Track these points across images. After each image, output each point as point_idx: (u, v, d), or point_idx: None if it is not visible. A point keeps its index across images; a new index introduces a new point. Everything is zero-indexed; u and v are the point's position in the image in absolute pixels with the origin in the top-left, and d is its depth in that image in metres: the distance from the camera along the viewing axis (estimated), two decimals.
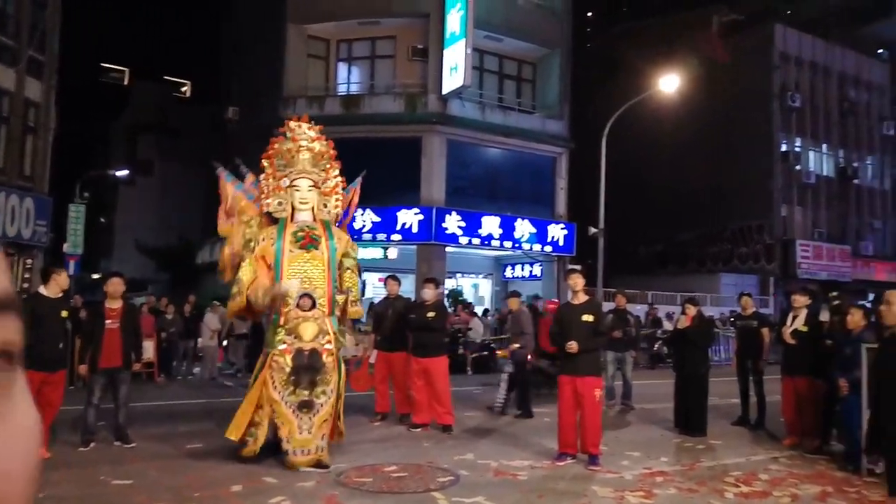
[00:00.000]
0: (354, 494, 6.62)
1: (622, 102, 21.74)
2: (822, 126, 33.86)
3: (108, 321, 8.18)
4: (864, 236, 35.23)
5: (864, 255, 34.31)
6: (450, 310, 21.87)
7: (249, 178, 8.91)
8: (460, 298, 23.32)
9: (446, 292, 23.34)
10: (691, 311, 10.30)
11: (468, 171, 23.87)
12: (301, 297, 7.51)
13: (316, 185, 8.14)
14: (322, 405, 7.39)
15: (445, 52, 22.76)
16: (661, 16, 37.02)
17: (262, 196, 8.21)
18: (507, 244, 23.40)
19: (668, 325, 22.09)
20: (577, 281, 8.47)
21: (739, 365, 10.99)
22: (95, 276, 48.41)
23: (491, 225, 22.90)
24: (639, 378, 14.33)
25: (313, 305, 7.55)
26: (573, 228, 24.69)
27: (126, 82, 25.56)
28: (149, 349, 15.42)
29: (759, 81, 31.90)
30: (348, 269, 8.23)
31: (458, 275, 25.42)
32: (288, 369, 7.31)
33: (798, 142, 33.12)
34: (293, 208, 8.14)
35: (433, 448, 8.72)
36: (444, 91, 22.73)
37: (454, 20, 22.42)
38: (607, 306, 13.89)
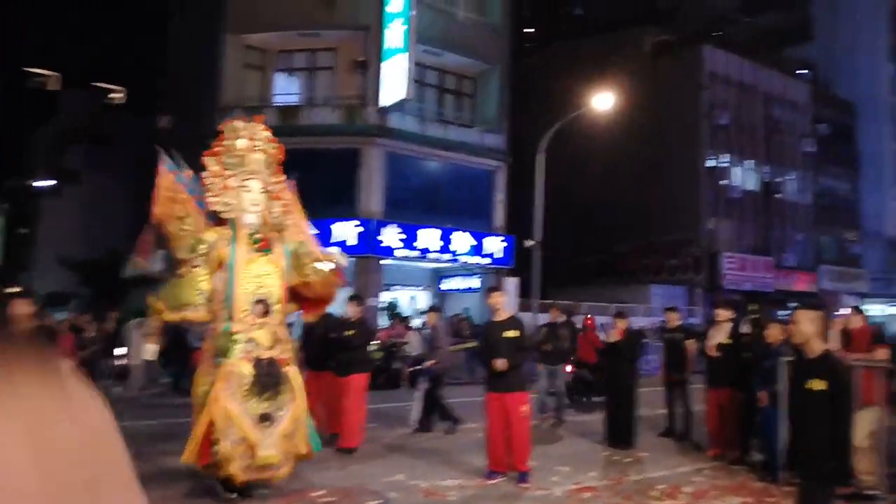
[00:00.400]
0: None
1: (558, 117, 22.27)
2: (747, 143, 35.05)
3: None
4: (786, 248, 36.56)
5: (786, 266, 35.60)
6: (387, 323, 22.07)
7: (187, 172, 8.05)
8: (396, 311, 23.40)
9: (384, 305, 23.50)
10: (621, 324, 10.67)
11: (407, 183, 23.96)
12: (256, 302, 7.02)
13: (265, 189, 7.49)
14: (282, 418, 6.82)
15: (385, 64, 22.91)
16: (596, 35, 37.94)
17: (208, 193, 7.42)
18: (446, 256, 23.67)
19: (603, 337, 22.59)
20: (498, 300, 8.49)
21: (666, 377, 11.36)
22: (14, 289, 46.74)
23: (429, 237, 23.14)
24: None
25: (267, 312, 7.06)
26: (511, 241, 25.09)
27: (53, 87, 24.92)
28: None
29: (688, 100, 32.92)
30: (305, 253, 7.62)
31: (396, 287, 25.54)
32: (247, 379, 6.74)
33: (725, 158, 34.25)
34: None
35: (363, 469, 8.56)
36: (384, 104, 22.84)
37: (395, 34, 22.62)
38: (543, 318, 14.15)
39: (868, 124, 40.56)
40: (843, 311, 36.57)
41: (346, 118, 23.43)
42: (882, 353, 7.71)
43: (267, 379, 6.78)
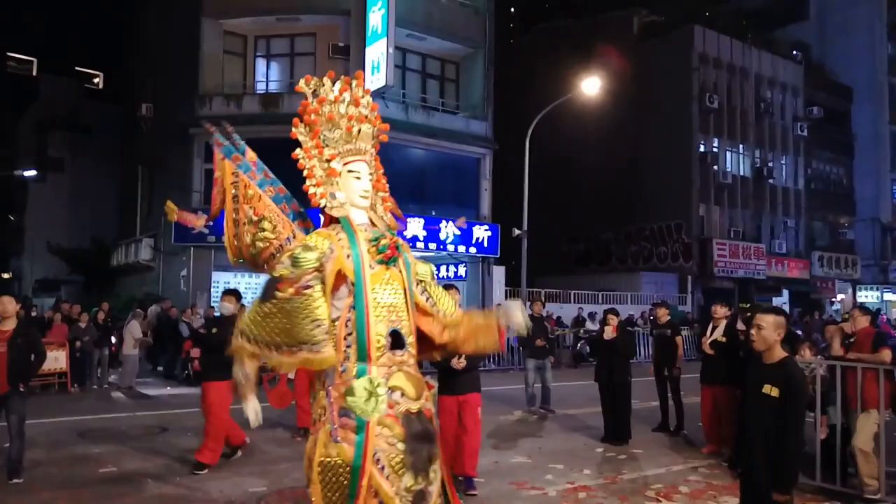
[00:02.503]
0: None
1: (544, 102, 21.92)
2: (738, 127, 34.73)
3: None
4: (778, 234, 36.35)
5: (777, 252, 35.38)
6: None
7: (250, 156, 5.54)
8: None
9: None
10: (614, 321, 10.44)
11: (391, 171, 23.27)
12: (390, 334, 4.73)
13: (373, 175, 5.23)
14: (432, 494, 4.65)
15: (367, 50, 22.48)
16: (582, 17, 37.51)
17: (311, 181, 4.96)
18: (432, 246, 23.29)
19: (590, 325, 22.37)
20: (456, 297, 8.11)
21: (657, 373, 11.25)
22: (6, 275, 46.59)
23: (415, 227, 22.76)
24: (562, 379, 14.44)
25: (401, 346, 4.73)
26: (497, 230, 24.74)
27: (33, 73, 24.47)
28: (61, 359, 14.93)
29: (678, 83, 32.53)
30: (428, 282, 5.28)
31: None
32: (400, 444, 4.46)
33: (715, 142, 33.91)
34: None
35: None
36: None
37: (376, 18, 22.15)
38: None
39: (863, 107, 40.26)
40: (839, 297, 36.56)
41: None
42: (887, 355, 7.42)
43: (422, 442, 4.57)
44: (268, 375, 10.74)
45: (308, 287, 4.46)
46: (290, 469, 8.32)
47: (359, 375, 4.48)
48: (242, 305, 8.88)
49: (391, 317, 4.66)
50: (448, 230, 23.43)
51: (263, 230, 5.09)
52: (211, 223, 5.87)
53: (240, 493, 7.29)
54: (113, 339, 16.80)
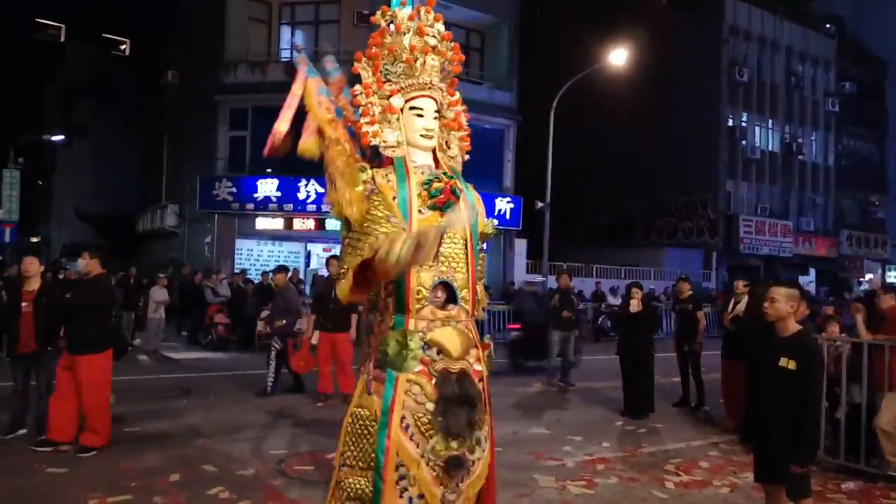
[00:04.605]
0: (295, 484, 6.44)
1: (569, 73, 21.66)
2: (768, 101, 34.22)
3: (23, 303, 7.66)
4: (806, 211, 35.91)
5: (805, 230, 34.99)
6: None
7: (338, 78, 4.89)
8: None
9: None
10: (638, 294, 10.34)
11: None
12: (436, 286, 4.31)
13: (439, 112, 4.64)
14: (475, 463, 4.22)
15: None
16: None
17: (365, 119, 4.47)
18: None
19: (611, 300, 22.28)
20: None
21: (678, 348, 11.16)
22: (34, 239, 47.19)
23: None
24: (583, 353, 14.39)
25: (453, 300, 4.32)
26: (519, 202, 24.62)
27: (61, 39, 24.50)
28: None
29: (707, 55, 32.07)
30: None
31: None
32: (430, 405, 4.11)
33: (744, 116, 33.46)
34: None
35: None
36: None
37: None
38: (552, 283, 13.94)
39: None
40: (868, 277, 36.04)
41: (351, 73, 22.82)
42: None
43: (459, 404, 4.14)
44: (292, 340, 10.90)
45: (368, 217, 4.14)
46: (311, 433, 8.38)
47: (395, 327, 4.21)
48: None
49: (441, 267, 4.24)
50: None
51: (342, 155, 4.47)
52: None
53: (261, 456, 7.35)
54: (139, 304, 17.00)
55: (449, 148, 4.71)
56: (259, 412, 9.49)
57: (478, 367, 4.29)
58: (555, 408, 10.72)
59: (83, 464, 6.83)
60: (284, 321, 10.95)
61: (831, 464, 7.31)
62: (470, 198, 4.48)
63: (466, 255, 4.32)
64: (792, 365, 4.42)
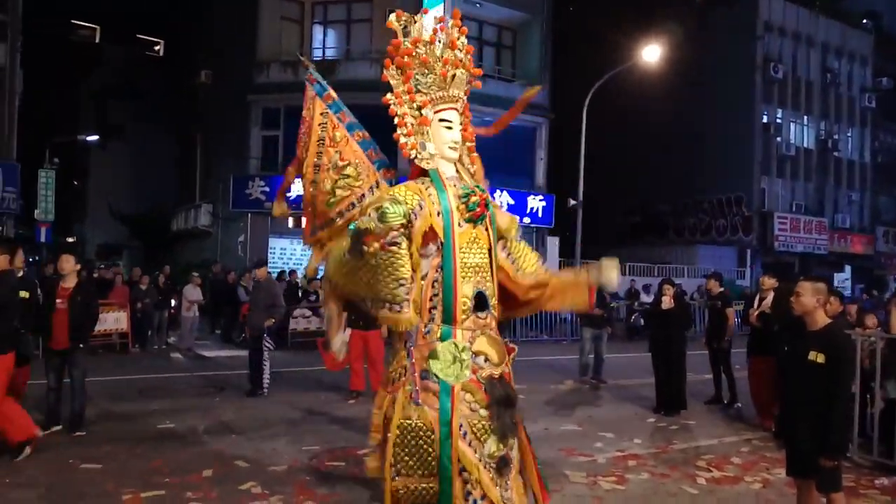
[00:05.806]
0: (327, 479, 6.49)
1: (602, 69, 21.51)
2: (803, 97, 33.74)
3: (58, 301, 7.80)
4: (842, 209, 35.33)
5: (840, 227, 34.46)
6: None
7: (328, 95, 5.17)
8: None
9: None
10: (670, 291, 10.28)
11: None
12: (475, 297, 4.42)
13: (463, 125, 4.72)
14: (514, 458, 4.45)
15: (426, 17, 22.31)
16: None
17: (402, 130, 4.52)
18: None
19: (644, 298, 22.11)
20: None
21: (709, 345, 11.11)
22: (70, 239, 47.99)
23: None
24: (615, 351, 14.36)
25: (485, 307, 4.45)
26: (552, 200, 24.53)
27: (96, 40, 24.97)
28: (122, 320, 15.33)
29: (741, 51, 31.64)
30: (511, 238, 4.83)
31: None
32: (483, 411, 4.24)
33: (779, 113, 33.00)
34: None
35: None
36: None
37: None
38: None
39: None
40: None
41: (383, 73, 22.86)
42: None
43: (506, 407, 4.33)
44: (323, 339, 10.93)
45: (394, 244, 4.12)
46: (343, 430, 8.45)
47: (443, 338, 4.28)
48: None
49: (476, 278, 4.39)
50: (501, 200, 23.32)
51: (347, 176, 4.77)
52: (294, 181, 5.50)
53: (293, 452, 7.42)
54: (173, 303, 17.21)
55: (464, 160, 4.73)
56: (290, 409, 9.59)
57: (508, 369, 4.47)
58: (587, 404, 10.72)
59: (117, 460, 6.94)
60: (273, 319, 10.72)
61: (865, 460, 7.22)
62: (491, 209, 4.56)
63: (492, 265, 4.48)
64: (821, 358, 4.41)
